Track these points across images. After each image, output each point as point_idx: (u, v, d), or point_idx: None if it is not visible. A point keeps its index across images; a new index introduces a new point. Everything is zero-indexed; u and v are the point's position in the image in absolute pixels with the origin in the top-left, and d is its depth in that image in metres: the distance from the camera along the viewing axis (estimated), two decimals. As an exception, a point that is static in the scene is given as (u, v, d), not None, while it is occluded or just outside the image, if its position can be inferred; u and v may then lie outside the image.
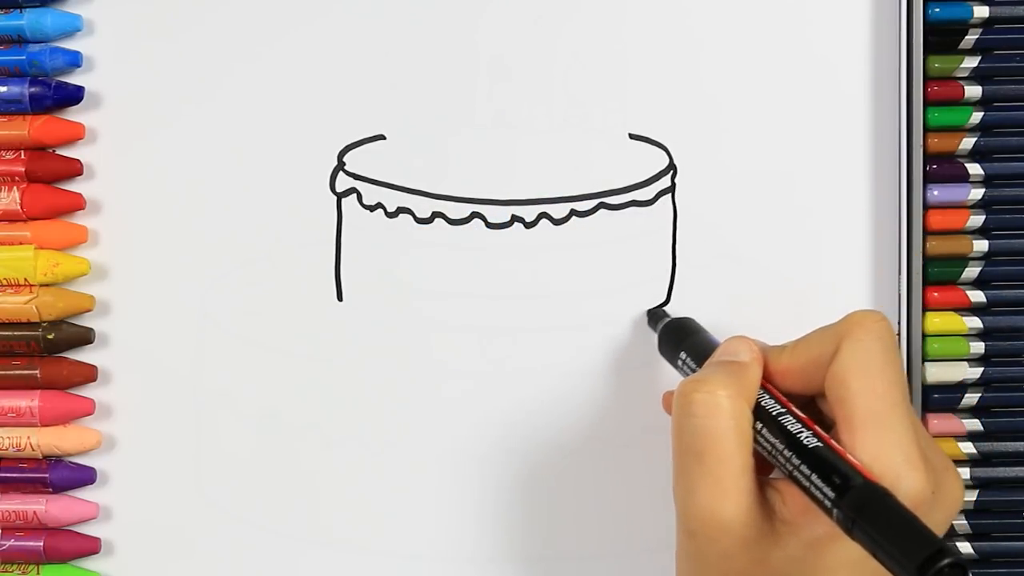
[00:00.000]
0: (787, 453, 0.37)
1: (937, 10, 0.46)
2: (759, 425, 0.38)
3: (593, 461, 0.48)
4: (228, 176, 0.48)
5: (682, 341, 0.44)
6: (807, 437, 0.37)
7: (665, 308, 0.47)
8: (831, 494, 0.35)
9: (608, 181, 0.47)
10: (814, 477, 0.36)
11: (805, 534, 0.37)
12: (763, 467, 0.38)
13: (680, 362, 0.44)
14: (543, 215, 0.47)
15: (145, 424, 0.49)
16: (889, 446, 0.36)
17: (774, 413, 0.38)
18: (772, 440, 0.38)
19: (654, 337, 0.46)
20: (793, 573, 0.37)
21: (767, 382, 0.40)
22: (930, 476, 0.36)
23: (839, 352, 0.38)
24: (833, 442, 0.37)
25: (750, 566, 0.37)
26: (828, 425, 0.39)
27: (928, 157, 0.46)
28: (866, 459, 0.36)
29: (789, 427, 0.37)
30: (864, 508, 0.34)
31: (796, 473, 0.36)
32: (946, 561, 0.31)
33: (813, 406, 0.40)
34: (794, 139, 0.47)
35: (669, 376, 0.47)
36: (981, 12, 0.46)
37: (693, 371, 0.42)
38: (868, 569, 0.35)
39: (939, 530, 0.38)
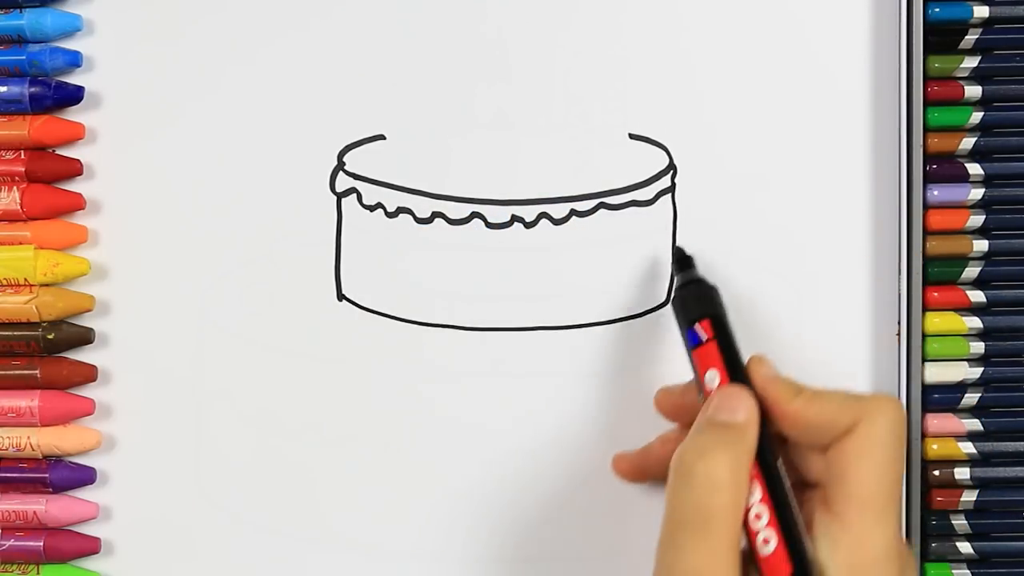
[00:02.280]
0: (759, 520, 0.39)
1: (937, 10, 0.46)
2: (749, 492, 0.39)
3: (593, 461, 0.48)
4: (228, 176, 0.48)
5: (700, 320, 0.43)
6: (784, 511, 0.39)
7: (693, 258, 0.46)
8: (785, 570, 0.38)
9: (608, 181, 0.47)
10: (774, 548, 0.38)
11: None
12: None
13: (690, 347, 0.43)
14: (543, 215, 0.47)
15: (145, 424, 0.49)
16: (878, 538, 0.38)
17: (765, 479, 0.39)
18: (752, 504, 0.39)
19: (655, 334, 0.46)
20: None
21: (766, 421, 0.40)
22: (900, 569, 0.39)
23: (856, 431, 0.39)
24: (801, 523, 0.39)
25: None
26: (799, 474, 0.41)
27: (928, 157, 0.46)
28: (851, 540, 0.38)
29: (775, 497, 0.39)
30: None
31: (760, 534, 0.38)
32: None
33: (785, 450, 0.41)
34: (794, 139, 0.47)
35: (669, 376, 0.47)
36: (981, 12, 0.46)
37: (696, 374, 0.42)
38: None
39: None
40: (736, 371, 0.42)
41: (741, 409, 0.40)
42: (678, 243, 0.47)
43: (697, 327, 0.43)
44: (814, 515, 0.40)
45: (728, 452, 0.38)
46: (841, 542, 0.38)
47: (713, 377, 0.42)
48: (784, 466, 0.41)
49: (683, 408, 0.44)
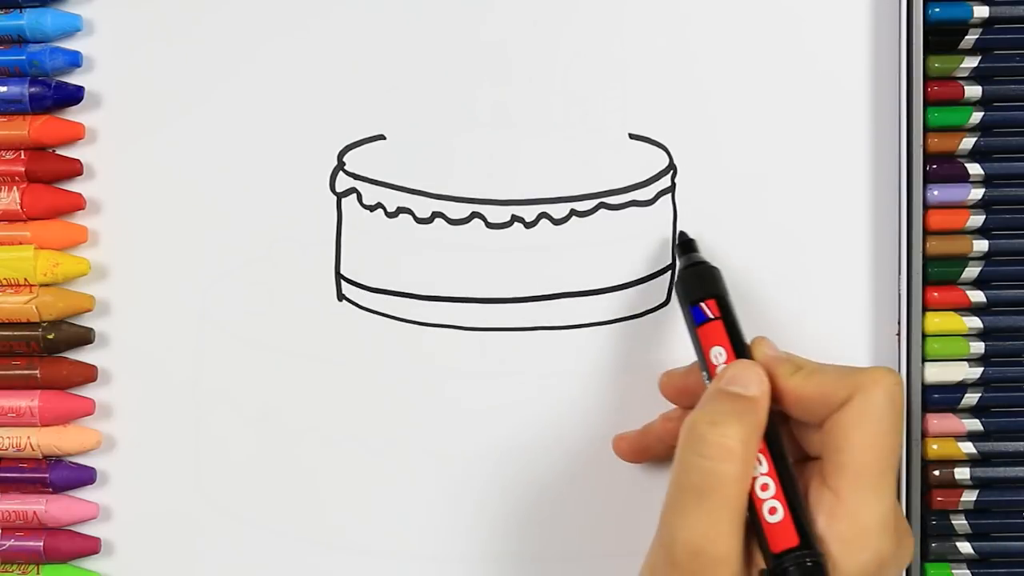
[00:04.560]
0: (766, 491, 0.39)
1: (937, 10, 0.46)
2: (757, 463, 0.39)
3: (593, 461, 0.48)
4: (228, 176, 0.48)
5: (705, 299, 0.43)
6: (789, 484, 0.39)
7: (696, 241, 0.46)
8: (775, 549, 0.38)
9: (608, 181, 0.47)
10: (781, 517, 0.39)
11: None
12: None
13: (695, 324, 0.43)
14: (543, 215, 0.47)
15: (145, 424, 0.49)
16: (872, 508, 0.38)
17: (771, 453, 0.40)
18: (758, 475, 0.39)
19: (655, 334, 0.46)
20: None
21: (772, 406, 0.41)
22: (896, 541, 0.39)
23: (852, 401, 0.39)
24: (801, 495, 0.39)
25: None
26: (799, 450, 0.41)
27: (928, 157, 0.46)
28: (846, 512, 0.38)
29: (781, 470, 0.39)
30: (799, 573, 0.38)
31: (766, 503, 0.39)
32: None
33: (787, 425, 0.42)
34: (794, 139, 0.47)
35: (669, 376, 0.47)
36: (981, 12, 0.46)
37: (699, 352, 0.43)
38: None
39: None
40: (741, 349, 0.42)
41: (754, 383, 0.40)
42: (680, 229, 0.47)
43: (703, 305, 0.43)
44: (810, 489, 0.40)
45: (740, 422, 0.39)
46: (836, 514, 0.38)
47: (719, 353, 0.42)
48: (786, 443, 0.41)
49: (686, 390, 0.45)
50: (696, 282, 0.44)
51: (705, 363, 0.42)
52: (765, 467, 0.39)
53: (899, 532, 0.39)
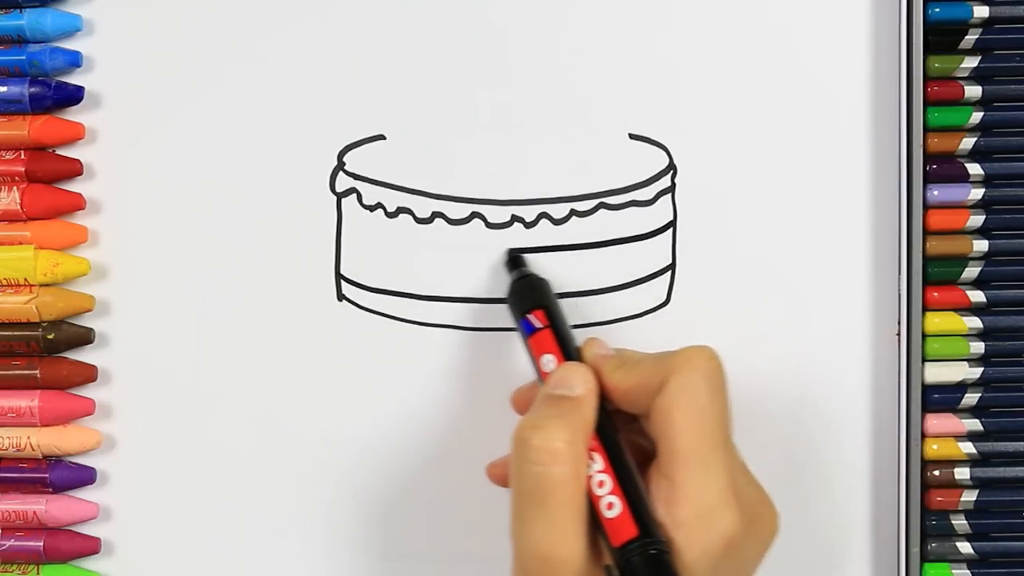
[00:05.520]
0: (602, 487, 0.38)
1: (937, 10, 0.46)
2: (591, 461, 0.39)
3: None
4: (228, 176, 0.48)
5: (533, 310, 0.44)
6: (626, 477, 0.38)
7: (523, 256, 0.47)
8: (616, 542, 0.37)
9: (608, 181, 0.47)
10: (619, 512, 0.38)
11: None
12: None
13: (525, 335, 0.43)
14: (543, 215, 0.47)
15: (145, 424, 0.49)
16: (706, 486, 0.38)
17: (606, 450, 0.39)
18: (594, 473, 0.39)
19: (655, 334, 0.46)
20: None
21: (601, 399, 0.40)
22: (743, 514, 0.38)
23: (666, 386, 0.39)
24: (641, 487, 0.38)
25: None
26: (651, 445, 0.40)
27: (928, 157, 0.46)
28: (681, 496, 0.37)
29: (616, 465, 0.39)
30: (643, 564, 0.37)
31: (603, 499, 0.38)
32: None
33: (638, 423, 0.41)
34: (794, 139, 0.47)
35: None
36: (981, 12, 0.46)
37: (533, 362, 0.43)
38: None
39: (755, 561, 0.39)
40: (570, 353, 0.42)
41: (578, 383, 0.40)
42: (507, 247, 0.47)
43: (530, 316, 0.43)
44: (651, 480, 0.39)
45: (563, 423, 0.38)
46: (673, 500, 0.38)
47: (549, 361, 0.42)
48: (630, 442, 0.40)
49: (532, 402, 0.44)
50: (524, 294, 0.45)
51: (538, 372, 0.42)
52: (600, 464, 0.39)
53: (749, 506, 0.38)
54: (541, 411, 0.39)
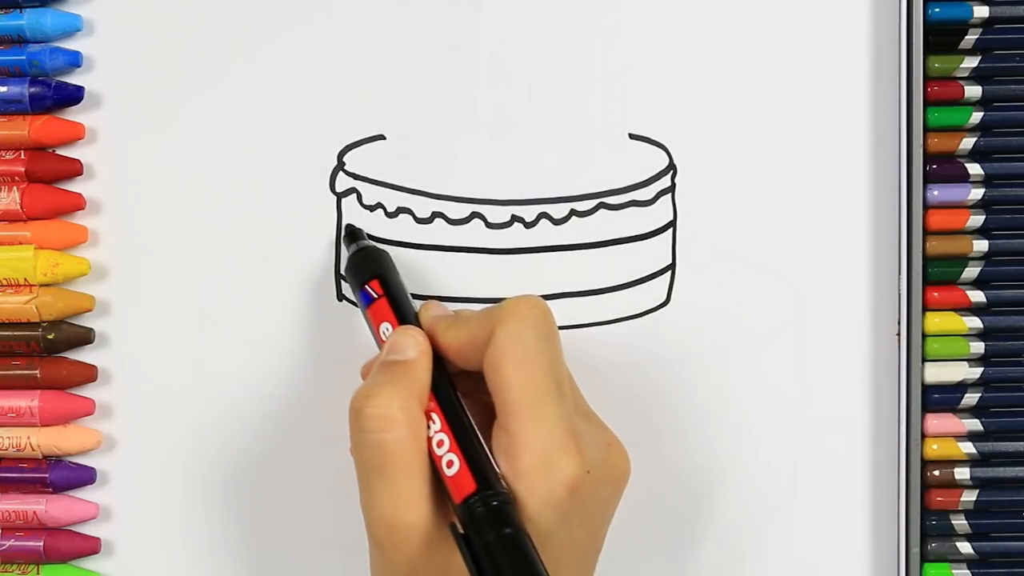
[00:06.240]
0: (441, 447, 0.38)
1: (937, 10, 0.46)
2: (430, 423, 0.39)
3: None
4: (228, 176, 0.48)
5: (369, 281, 0.44)
6: (464, 435, 0.38)
7: (361, 230, 0.47)
8: (458, 498, 0.37)
9: (608, 181, 0.47)
10: (457, 469, 0.37)
11: None
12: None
13: (363, 306, 0.43)
14: (543, 215, 0.47)
15: (145, 424, 0.49)
16: (541, 434, 0.37)
17: (443, 409, 0.39)
18: (433, 434, 0.38)
19: (655, 334, 0.46)
20: None
21: (438, 360, 0.40)
22: (584, 457, 0.38)
23: (493, 338, 0.39)
24: (480, 442, 0.38)
25: (434, 571, 0.37)
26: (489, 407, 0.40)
27: (928, 157, 0.46)
28: (518, 447, 0.37)
29: (454, 424, 0.39)
30: (484, 517, 0.36)
31: (443, 458, 0.38)
32: None
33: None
34: (794, 139, 0.47)
35: (670, 376, 0.47)
36: (981, 12, 0.46)
37: (373, 332, 0.43)
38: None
39: (608, 504, 0.39)
40: (407, 320, 0.42)
41: (409, 347, 0.40)
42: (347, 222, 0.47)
43: (368, 287, 0.44)
44: (493, 435, 0.39)
45: (395, 388, 0.38)
46: (511, 451, 0.37)
47: (387, 329, 0.42)
48: (480, 401, 0.40)
49: None
50: (360, 266, 0.45)
51: (378, 342, 0.42)
52: (438, 424, 0.39)
53: (593, 450, 0.38)
54: (374, 379, 0.39)
